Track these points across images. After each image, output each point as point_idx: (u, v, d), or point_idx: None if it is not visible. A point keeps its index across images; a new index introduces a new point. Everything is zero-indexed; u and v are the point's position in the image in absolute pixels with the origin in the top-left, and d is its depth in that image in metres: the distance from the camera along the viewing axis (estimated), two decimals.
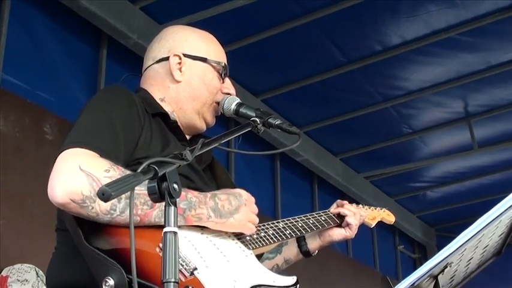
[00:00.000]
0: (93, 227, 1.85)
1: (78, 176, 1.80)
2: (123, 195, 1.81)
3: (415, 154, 7.57)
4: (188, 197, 1.98)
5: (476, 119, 6.87)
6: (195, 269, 1.87)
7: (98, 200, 1.78)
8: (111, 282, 1.72)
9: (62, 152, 1.87)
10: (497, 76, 6.14)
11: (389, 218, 2.93)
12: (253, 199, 2.20)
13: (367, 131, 7.04)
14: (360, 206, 2.79)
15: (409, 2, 5.27)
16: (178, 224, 1.90)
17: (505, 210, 1.67)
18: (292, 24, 5.38)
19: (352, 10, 5.25)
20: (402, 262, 9.13)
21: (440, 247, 1.66)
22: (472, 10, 5.37)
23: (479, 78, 6.17)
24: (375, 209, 2.88)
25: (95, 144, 1.90)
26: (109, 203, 1.80)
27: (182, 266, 1.85)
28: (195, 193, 2.02)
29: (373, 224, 2.82)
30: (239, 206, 2.12)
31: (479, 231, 1.65)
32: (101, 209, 1.81)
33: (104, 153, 1.89)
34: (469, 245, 1.71)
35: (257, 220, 2.19)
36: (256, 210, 2.19)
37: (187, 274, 1.84)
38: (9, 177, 4.19)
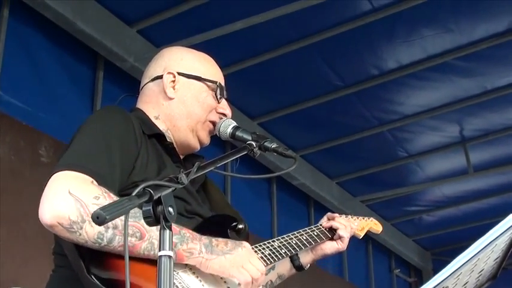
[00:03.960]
0: (94, 257, 1.83)
1: (66, 200, 1.78)
2: (110, 224, 1.79)
3: (411, 178, 7.57)
4: (182, 233, 1.95)
5: (471, 143, 6.88)
6: None
7: (85, 226, 1.78)
8: None
9: (54, 173, 1.86)
10: (492, 101, 6.16)
11: (376, 227, 2.94)
12: (254, 254, 2.13)
13: (363, 154, 7.04)
14: (349, 217, 2.81)
15: (405, 27, 5.29)
16: None
17: (500, 234, 1.67)
18: (289, 49, 5.40)
19: (348, 34, 5.27)
20: (398, 286, 9.09)
21: (436, 271, 1.65)
22: (467, 35, 5.40)
23: (474, 103, 6.19)
24: (363, 219, 2.90)
25: (89, 167, 1.88)
26: (96, 232, 1.79)
27: None
28: (190, 231, 1.99)
29: (361, 234, 2.84)
30: (235, 248, 2.06)
31: (474, 255, 1.65)
32: (88, 236, 1.79)
33: (98, 177, 1.87)
34: (465, 269, 1.70)
35: (255, 272, 2.07)
36: (259, 265, 2.09)
37: None
38: (3, 199, 4.17)
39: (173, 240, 1.88)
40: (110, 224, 1.78)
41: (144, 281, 1.83)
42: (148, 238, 1.85)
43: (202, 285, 2.00)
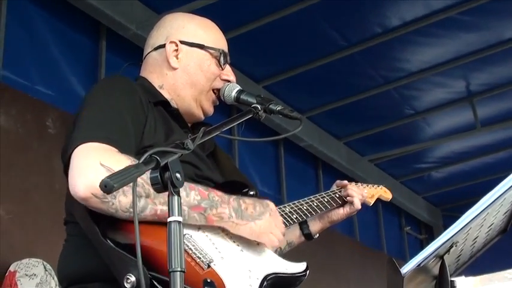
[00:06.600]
0: (110, 223, 1.84)
1: (99, 171, 1.78)
2: (143, 193, 1.81)
3: (419, 135, 7.56)
4: (210, 196, 1.96)
5: (478, 98, 6.85)
6: (211, 261, 1.88)
7: (118, 196, 1.80)
8: (132, 278, 1.72)
9: (77, 146, 1.86)
10: (497, 54, 6.12)
11: (386, 195, 2.95)
12: (279, 217, 2.19)
13: (370, 114, 7.03)
14: (359, 184, 2.82)
15: None
16: (200, 224, 1.92)
17: (509, 188, 1.67)
18: (292, 10, 5.36)
19: None
20: (409, 243, 9.14)
21: (446, 227, 1.66)
22: None
23: (479, 57, 6.15)
24: (372, 186, 2.91)
25: (109, 137, 1.89)
26: (129, 201, 1.81)
27: (199, 258, 1.87)
28: (219, 193, 2.01)
29: (371, 202, 2.85)
30: (263, 213, 2.10)
31: (483, 209, 1.65)
32: (120, 206, 1.81)
33: (118, 145, 1.89)
34: (474, 224, 1.71)
35: (281, 237, 2.15)
36: (282, 228, 2.17)
37: (204, 267, 1.86)
38: (13, 173, 4.19)
39: (203, 205, 1.92)
40: (142, 192, 1.81)
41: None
42: None
43: (237, 245, 2.04)
